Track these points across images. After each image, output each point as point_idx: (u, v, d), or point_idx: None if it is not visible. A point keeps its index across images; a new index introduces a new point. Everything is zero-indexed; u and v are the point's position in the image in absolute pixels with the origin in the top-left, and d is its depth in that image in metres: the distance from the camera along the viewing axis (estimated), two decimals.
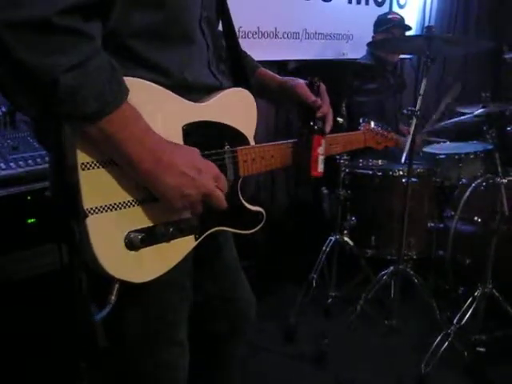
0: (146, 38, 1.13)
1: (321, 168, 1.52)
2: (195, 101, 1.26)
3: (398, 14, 3.88)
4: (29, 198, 1.99)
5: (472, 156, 3.25)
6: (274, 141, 1.53)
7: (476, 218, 3.02)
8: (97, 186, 1.05)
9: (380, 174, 3.14)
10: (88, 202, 1.04)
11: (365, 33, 3.89)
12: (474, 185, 3.02)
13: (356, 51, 3.97)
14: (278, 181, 3.98)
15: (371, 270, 3.10)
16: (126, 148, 1.03)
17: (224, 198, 1.20)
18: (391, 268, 2.87)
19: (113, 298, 1.10)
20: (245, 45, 3.40)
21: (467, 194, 3.02)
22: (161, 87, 1.16)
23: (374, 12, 4.09)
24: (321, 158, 1.51)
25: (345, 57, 4.07)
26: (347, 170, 3.07)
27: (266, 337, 2.96)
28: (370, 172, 3.16)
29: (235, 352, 1.73)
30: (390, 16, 3.83)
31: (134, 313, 1.28)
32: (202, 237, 1.27)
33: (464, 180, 3.16)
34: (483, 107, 2.93)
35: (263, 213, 1.45)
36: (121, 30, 1.10)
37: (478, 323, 2.71)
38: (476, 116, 2.90)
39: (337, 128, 2.66)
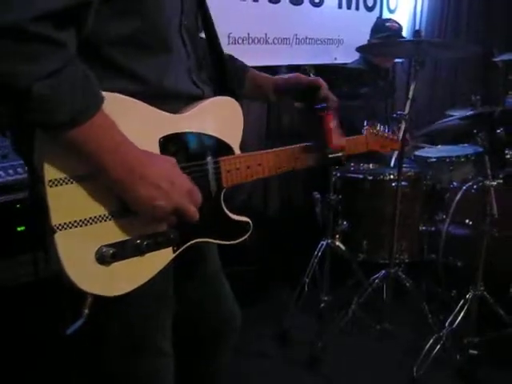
0: (123, 46, 1.13)
1: (340, 141, 1.57)
2: (176, 111, 1.25)
3: (396, 23, 3.84)
4: (18, 206, 2.00)
5: (463, 159, 3.27)
6: (266, 145, 1.53)
7: (467, 221, 3.03)
8: (66, 202, 1.05)
9: (371, 178, 3.14)
10: (56, 219, 1.04)
11: (355, 37, 3.89)
12: (464, 188, 3.03)
13: (347, 56, 3.98)
14: (271, 185, 3.98)
15: (363, 274, 3.10)
16: (99, 157, 1.03)
17: (196, 213, 1.17)
18: (383, 272, 2.88)
19: (86, 311, 1.09)
20: (235, 51, 3.40)
21: (458, 197, 3.03)
22: (136, 100, 1.15)
23: (364, 17, 4.11)
24: (336, 132, 1.56)
25: (336, 61, 4.08)
26: (338, 175, 3.08)
27: (258, 341, 2.96)
28: (361, 176, 3.16)
29: (218, 363, 1.72)
30: (388, 24, 3.80)
31: (115, 323, 1.27)
32: (181, 249, 1.25)
33: (455, 183, 3.17)
34: (473, 110, 2.94)
35: (250, 223, 1.42)
36: (98, 39, 1.10)
37: (470, 326, 2.71)
38: (466, 119, 2.91)
39: None
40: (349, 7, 4.20)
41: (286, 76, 1.63)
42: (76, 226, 1.06)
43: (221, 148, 1.35)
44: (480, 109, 2.89)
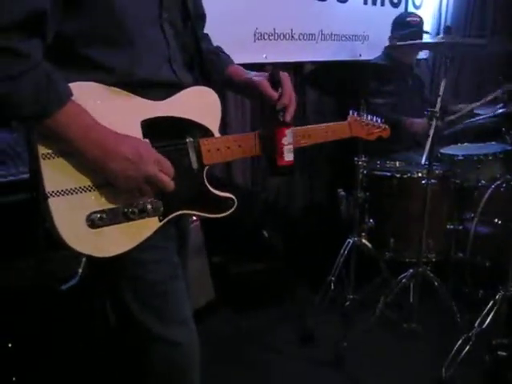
0: (92, 43, 1.29)
1: (288, 157, 1.60)
2: (155, 98, 1.39)
3: (417, 16, 3.78)
4: None
5: (490, 157, 3.22)
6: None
7: (496, 220, 2.99)
8: (57, 173, 1.23)
9: (398, 175, 3.11)
10: (49, 187, 1.22)
11: (381, 33, 3.86)
12: (493, 186, 2.98)
13: (372, 52, 3.93)
14: (296, 184, 3.96)
15: (390, 273, 3.07)
16: (72, 141, 1.21)
17: (169, 181, 1.33)
18: (410, 271, 2.84)
19: (80, 270, 1.29)
20: (261, 46, 3.42)
21: (487, 195, 2.98)
22: (116, 88, 1.31)
23: (389, 13, 4.06)
24: (287, 148, 1.59)
25: (361, 58, 4.05)
26: (365, 172, 3.05)
27: (283, 339, 2.95)
28: (389, 174, 3.13)
29: None
30: (408, 19, 3.72)
31: (129, 292, 1.43)
32: (167, 219, 1.41)
33: (483, 181, 3.13)
34: (502, 107, 2.89)
35: (233, 198, 1.54)
36: (70, 39, 1.27)
37: (499, 327, 2.67)
38: (495, 116, 2.87)
39: None
40: (374, 3, 4.17)
41: (255, 81, 1.64)
42: (67, 194, 1.24)
43: (200, 131, 1.49)
44: (510, 106, 2.84)
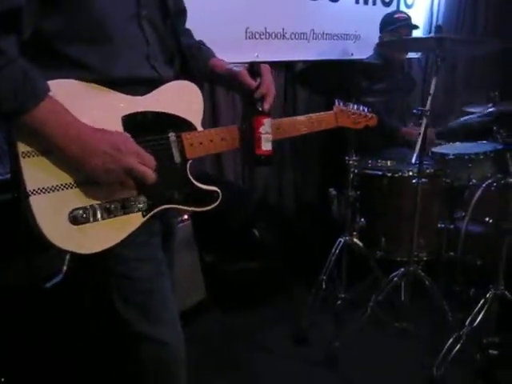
0: (69, 40, 1.28)
1: (266, 146, 1.59)
2: (135, 94, 1.39)
3: (404, 13, 3.84)
4: None
5: (481, 156, 3.22)
6: None
7: (487, 219, 2.99)
8: (38, 171, 1.22)
9: (389, 174, 3.11)
10: (29, 185, 1.21)
11: (372, 33, 3.88)
12: (484, 185, 2.99)
13: (364, 51, 3.95)
14: (286, 182, 3.96)
15: (381, 272, 3.06)
16: (51, 138, 1.20)
17: (151, 173, 1.31)
18: (402, 270, 2.84)
19: (64, 267, 1.25)
20: (252, 45, 3.41)
21: (478, 194, 2.98)
22: (95, 85, 1.30)
23: (381, 12, 4.06)
24: (264, 137, 1.58)
25: (352, 57, 4.05)
26: (356, 171, 3.04)
27: (275, 339, 2.94)
28: (380, 173, 3.13)
29: None
30: (396, 15, 3.79)
31: (114, 290, 1.41)
32: (151, 214, 1.40)
33: (474, 180, 3.13)
34: (493, 106, 2.89)
35: (218, 191, 1.54)
36: (47, 36, 1.26)
37: (490, 325, 2.67)
38: (486, 115, 2.87)
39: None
40: (366, 2, 4.19)
41: (234, 71, 1.64)
42: (48, 192, 1.23)
43: (183, 125, 1.48)
44: (501, 105, 2.85)
